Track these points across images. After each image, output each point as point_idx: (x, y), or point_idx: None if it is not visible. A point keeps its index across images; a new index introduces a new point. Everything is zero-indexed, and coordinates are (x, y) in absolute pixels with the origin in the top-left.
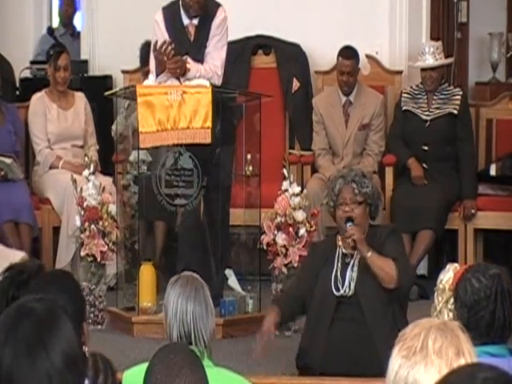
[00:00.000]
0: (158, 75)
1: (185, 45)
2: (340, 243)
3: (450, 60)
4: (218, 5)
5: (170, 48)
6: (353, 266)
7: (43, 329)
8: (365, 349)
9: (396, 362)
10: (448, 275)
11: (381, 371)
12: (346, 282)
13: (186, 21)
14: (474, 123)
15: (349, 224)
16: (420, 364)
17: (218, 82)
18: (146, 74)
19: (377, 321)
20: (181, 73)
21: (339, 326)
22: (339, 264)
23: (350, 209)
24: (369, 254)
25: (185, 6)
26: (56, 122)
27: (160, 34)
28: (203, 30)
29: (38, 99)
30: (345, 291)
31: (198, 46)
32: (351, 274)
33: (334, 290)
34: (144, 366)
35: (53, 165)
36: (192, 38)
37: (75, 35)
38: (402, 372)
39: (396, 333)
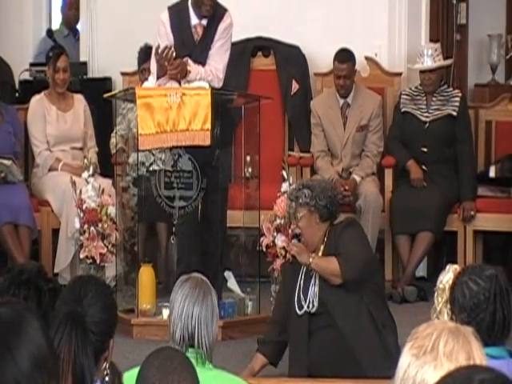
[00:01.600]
0: (158, 78)
1: (189, 45)
2: None
3: (449, 62)
4: (225, 10)
5: (170, 53)
6: (315, 279)
7: (8, 334)
8: (345, 353)
9: (406, 359)
10: (448, 276)
11: (361, 373)
12: (309, 298)
13: (194, 20)
14: (473, 125)
15: (293, 241)
16: (430, 364)
17: (219, 85)
18: (142, 73)
19: (351, 324)
20: (181, 76)
21: (318, 335)
22: (302, 282)
23: (295, 226)
24: (310, 260)
25: (197, 3)
26: (55, 124)
27: (164, 34)
28: (209, 32)
29: (38, 101)
30: (308, 307)
31: (203, 47)
32: (314, 290)
33: (297, 310)
34: None
35: (52, 167)
36: (198, 39)
37: (78, 36)
38: (411, 370)
39: (375, 328)
